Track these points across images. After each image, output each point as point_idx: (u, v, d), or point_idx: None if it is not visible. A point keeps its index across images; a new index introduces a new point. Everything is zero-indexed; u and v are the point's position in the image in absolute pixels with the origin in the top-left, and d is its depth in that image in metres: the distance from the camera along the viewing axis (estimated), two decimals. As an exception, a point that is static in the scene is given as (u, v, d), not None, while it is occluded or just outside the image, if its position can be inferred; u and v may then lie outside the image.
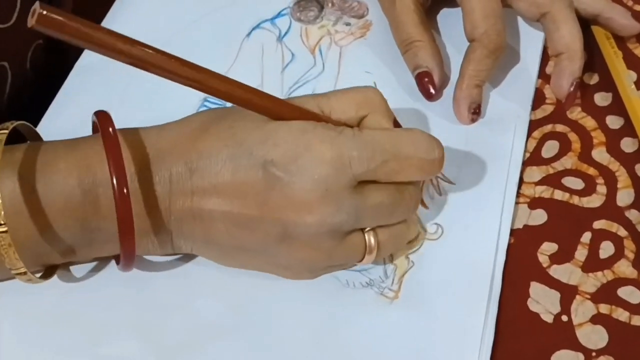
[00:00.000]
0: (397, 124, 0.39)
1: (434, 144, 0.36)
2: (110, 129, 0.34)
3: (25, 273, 0.34)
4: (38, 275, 0.36)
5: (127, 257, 0.35)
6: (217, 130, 0.35)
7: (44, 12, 0.27)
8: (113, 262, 0.39)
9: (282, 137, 0.34)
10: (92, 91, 0.47)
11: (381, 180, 0.35)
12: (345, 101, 0.36)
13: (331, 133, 0.34)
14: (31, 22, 0.27)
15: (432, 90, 0.45)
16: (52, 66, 0.53)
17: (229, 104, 0.35)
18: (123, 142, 0.34)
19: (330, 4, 0.50)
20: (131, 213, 0.33)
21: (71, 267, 0.39)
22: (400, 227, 0.37)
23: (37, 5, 0.27)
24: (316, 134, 0.34)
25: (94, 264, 0.39)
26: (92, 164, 0.35)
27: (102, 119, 0.34)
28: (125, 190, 0.32)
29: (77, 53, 0.49)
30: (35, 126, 0.45)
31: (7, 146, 0.34)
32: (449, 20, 0.49)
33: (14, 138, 0.36)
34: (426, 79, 0.45)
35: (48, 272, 0.38)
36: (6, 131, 0.34)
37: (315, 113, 0.35)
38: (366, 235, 0.36)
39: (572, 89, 0.44)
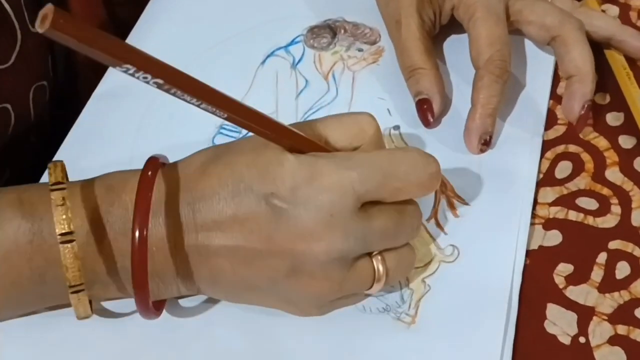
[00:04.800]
0: None
1: (430, 159, 0.36)
2: (150, 172, 0.34)
3: (82, 290, 0.34)
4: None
5: (141, 305, 0.34)
6: (216, 170, 0.35)
7: (59, 16, 0.23)
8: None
9: (280, 170, 0.33)
10: (109, 120, 0.47)
11: (384, 199, 0.35)
12: (341, 132, 0.36)
13: (327, 159, 0.34)
14: (44, 26, 0.23)
15: (430, 118, 0.45)
16: (58, 108, 0.52)
17: (243, 131, 0.35)
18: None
19: (342, 31, 0.51)
20: (146, 260, 0.33)
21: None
22: (406, 251, 0.37)
23: (49, 8, 0.23)
24: (313, 163, 0.34)
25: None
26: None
27: (149, 163, 0.34)
28: (145, 233, 0.32)
29: (83, 95, 0.49)
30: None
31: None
32: (458, 47, 0.49)
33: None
34: (425, 106, 0.45)
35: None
36: (64, 186, 0.34)
37: (313, 141, 0.35)
38: (374, 261, 0.36)
39: (583, 111, 0.44)
